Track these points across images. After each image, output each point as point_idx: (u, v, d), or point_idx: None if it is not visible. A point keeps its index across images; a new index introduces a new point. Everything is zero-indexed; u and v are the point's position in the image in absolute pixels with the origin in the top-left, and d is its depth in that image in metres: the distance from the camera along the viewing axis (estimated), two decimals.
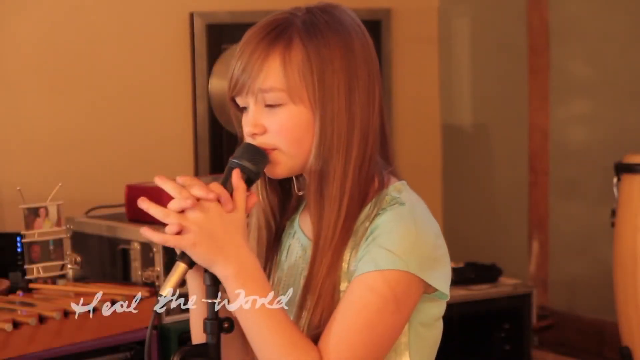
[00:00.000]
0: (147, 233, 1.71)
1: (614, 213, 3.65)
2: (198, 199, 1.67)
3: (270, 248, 1.87)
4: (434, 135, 4.80)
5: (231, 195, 1.70)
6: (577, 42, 4.36)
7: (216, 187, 1.69)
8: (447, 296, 1.77)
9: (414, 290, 1.71)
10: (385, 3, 4.52)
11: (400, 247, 1.69)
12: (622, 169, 3.62)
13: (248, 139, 1.77)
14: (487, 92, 4.72)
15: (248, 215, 1.77)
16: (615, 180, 3.64)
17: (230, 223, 1.68)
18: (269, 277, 1.86)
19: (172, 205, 1.67)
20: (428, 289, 1.74)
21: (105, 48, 3.92)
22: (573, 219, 4.39)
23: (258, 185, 1.84)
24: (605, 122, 4.28)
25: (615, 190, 3.64)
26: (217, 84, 4.13)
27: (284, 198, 1.88)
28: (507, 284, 4.05)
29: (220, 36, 4.14)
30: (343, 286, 1.73)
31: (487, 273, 4.07)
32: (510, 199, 4.63)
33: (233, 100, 1.80)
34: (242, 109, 1.79)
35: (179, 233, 1.66)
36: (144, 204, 1.70)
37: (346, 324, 1.68)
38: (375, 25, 4.41)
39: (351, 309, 1.68)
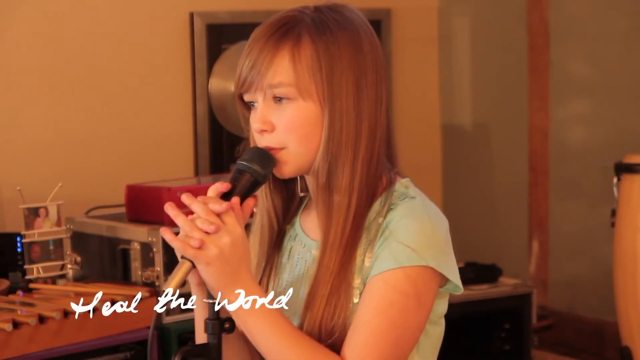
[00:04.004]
0: (166, 235, 1.69)
1: (614, 213, 3.65)
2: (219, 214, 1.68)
3: (272, 250, 1.87)
4: (434, 135, 4.80)
5: (242, 203, 1.72)
6: (577, 42, 4.36)
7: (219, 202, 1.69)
8: (460, 289, 1.79)
9: (433, 284, 1.73)
10: (385, 3, 4.52)
11: (418, 242, 1.70)
12: (622, 169, 3.62)
13: (256, 136, 1.77)
14: (487, 92, 4.72)
15: (252, 215, 1.78)
16: (615, 180, 3.64)
17: (246, 251, 1.69)
18: (270, 279, 1.86)
19: (199, 224, 1.67)
20: (441, 282, 1.76)
21: (105, 48, 3.92)
22: (573, 219, 4.39)
23: (263, 186, 1.84)
24: (605, 122, 4.27)
25: (615, 190, 3.64)
26: (217, 84, 4.13)
27: (288, 199, 1.88)
28: (507, 284, 4.04)
29: (220, 36, 4.14)
30: (357, 282, 1.73)
31: (487, 273, 4.07)
32: (510, 199, 4.63)
33: (241, 98, 1.80)
34: (250, 107, 1.79)
35: (199, 247, 1.67)
36: (172, 211, 1.68)
37: (371, 325, 1.68)
38: (375, 25, 4.38)
39: (375, 309, 1.69)
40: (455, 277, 1.76)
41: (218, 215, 1.67)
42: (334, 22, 1.77)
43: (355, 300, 1.73)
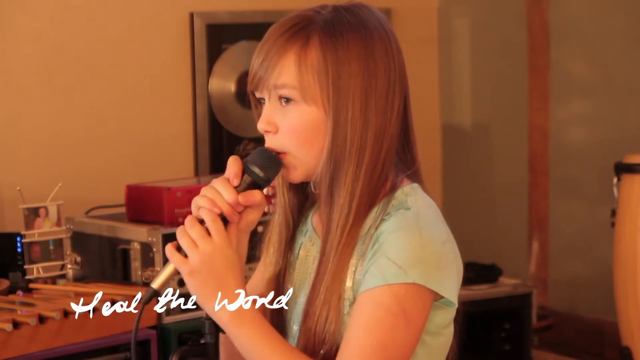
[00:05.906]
0: (168, 245, 1.71)
1: (614, 213, 3.65)
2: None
3: (286, 246, 1.85)
4: (434, 135, 4.80)
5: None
6: (577, 42, 4.36)
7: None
8: (453, 304, 1.75)
9: (423, 301, 1.69)
10: (385, 3, 4.52)
11: (405, 258, 1.66)
12: (622, 169, 3.62)
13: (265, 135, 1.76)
14: (487, 92, 4.72)
15: (267, 213, 1.77)
16: (615, 180, 3.64)
17: (232, 264, 1.68)
18: (284, 274, 1.85)
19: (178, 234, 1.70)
20: (436, 296, 1.72)
21: (105, 48, 3.92)
22: (573, 219, 4.39)
23: (279, 183, 1.83)
24: (605, 122, 4.27)
25: (615, 190, 3.64)
26: (217, 84, 4.13)
27: (304, 198, 1.86)
28: (507, 284, 4.04)
29: (220, 36, 4.14)
30: (348, 294, 1.71)
31: (487, 273, 4.07)
32: (510, 199, 4.63)
33: (254, 94, 1.78)
34: (262, 104, 1.77)
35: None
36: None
37: (359, 345, 1.65)
38: None
39: (363, 328, 1.65)
40: (448, 292, 1.72)
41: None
42: (346, 24, 1.72)
43: (345, 311, 1.70)
